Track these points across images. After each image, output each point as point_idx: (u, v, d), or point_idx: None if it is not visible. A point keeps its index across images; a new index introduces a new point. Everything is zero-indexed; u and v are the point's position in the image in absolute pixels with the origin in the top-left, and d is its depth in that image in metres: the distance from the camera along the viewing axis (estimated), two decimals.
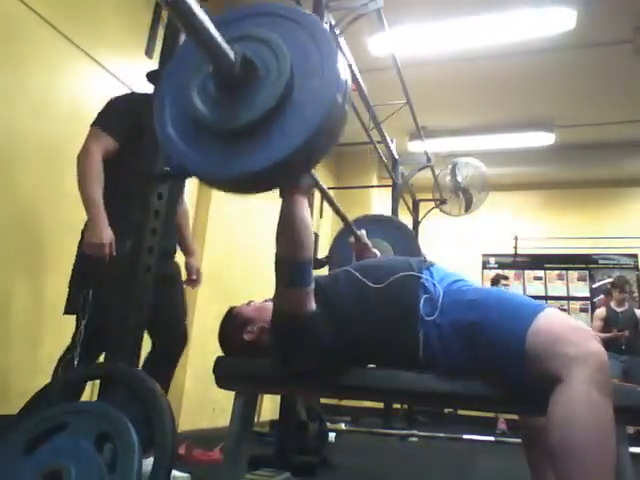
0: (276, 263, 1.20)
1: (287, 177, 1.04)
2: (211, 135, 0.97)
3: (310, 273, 1.20)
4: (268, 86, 0.93)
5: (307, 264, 1.18)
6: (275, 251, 1.20)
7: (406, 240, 2.98)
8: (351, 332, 1.24)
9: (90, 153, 1.86)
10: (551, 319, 1.07)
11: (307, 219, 1.18)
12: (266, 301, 1.43)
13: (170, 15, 1.34)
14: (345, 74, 0.94)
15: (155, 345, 2.00)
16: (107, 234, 1.76)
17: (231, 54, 0.93)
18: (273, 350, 1.27)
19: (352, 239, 2.40)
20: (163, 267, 1.96)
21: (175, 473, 2.09)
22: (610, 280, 5.75)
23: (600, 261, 6.56)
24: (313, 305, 1.21)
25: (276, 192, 1.19)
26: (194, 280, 2.31)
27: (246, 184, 1.00)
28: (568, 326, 1.05)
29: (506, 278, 5.55)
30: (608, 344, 4.70)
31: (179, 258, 2.23)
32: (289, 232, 1.17)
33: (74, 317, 1.82)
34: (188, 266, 2.28)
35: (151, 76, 2.03)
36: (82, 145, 1.89)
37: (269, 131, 0.92)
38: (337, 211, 2.52)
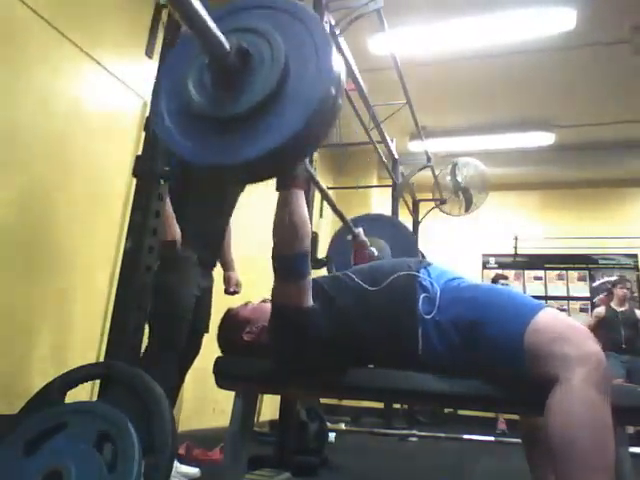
0: (273, 256, 1.21)
1: (282, 166, 1.05)
2: (207, 125, 0.98)
3: (307, 264, 1.20)
4: (263, 75, 0.96)
5: (303, 256, 1.18)
6: (272, 244, 1.21)
7: (404, 239, 2.99)
8: (351, 331, 1.25)
9: None
10: (550, 319, 1.07)
11: (303, 212, 1.19)
12: (264, 301, 1.43)
13: (168, 6, 1.37)
14: (339, 65, 0.96)
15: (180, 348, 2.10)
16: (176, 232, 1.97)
17: (226, 44, 0.95)
18: (272, 347, 1.27)
19: (350, 237, 2.41)
20: (208, 278, 2.24)
21: (185, 468, 2.11)
22: (610, 279, 5.75)
23: (600, 261, 6.56)
24: (310, 299, 1.21)
25: (273, 185, 1.20)
26: (234, 292, 2.48)
27: (242, 173, 1.02)
28: (567, 326, 1.05)
29: (505, 278, 5.55)
30: (607, 343, 4.70)
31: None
32: (285, 224, 1.17)
33: (75, 317, 1.83)
34: (228, 278, 2.47)
35: None
36: None
37: (264, 120, 0.94)
38: (334, 208, 2.52)
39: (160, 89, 1.09)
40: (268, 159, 0.93)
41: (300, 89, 0.94)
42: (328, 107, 0.94)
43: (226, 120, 0.97)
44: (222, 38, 0.95)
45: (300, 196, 1.19)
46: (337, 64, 0.96)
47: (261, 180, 1.05)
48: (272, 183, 1.18)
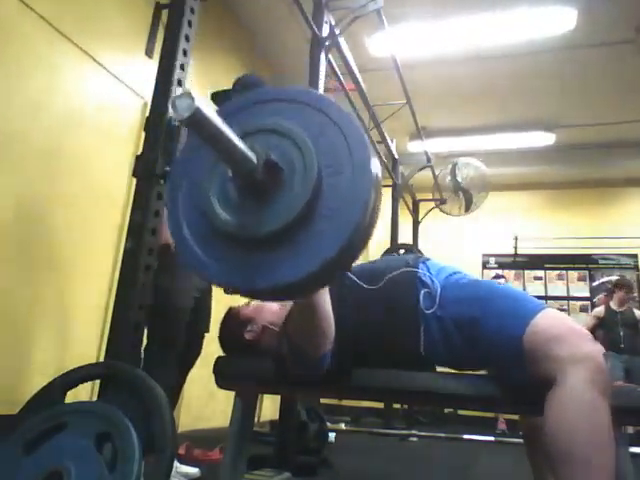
0: (293, 353, 1.16)
1: (317, 287, 0.96)
2: (231, 242, 0.87)
3: (327, 361, 1.15)
4: (294, 187, 0.83)
5: (328, 354, 1.14)
6: (288, 339, 1.16)
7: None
8: (351, 331, 1.24)
9: None
10: (550, 319, 1.07)
11: (329, 310, 1.12)
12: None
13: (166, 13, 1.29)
14: (377, 168, 0.84)
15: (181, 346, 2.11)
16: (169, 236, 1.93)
17: (253, 158, 0.82)
18: (275, 361, 1.26)
19: None
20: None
21: (185, 468, 2.11)
22: (610, 279, 5.74)
23: (600, 261, 6.57)
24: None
25: None
26: (233, 291, 2.43)
27: (280, 295, 0.95)
28: (566, 327, 1.05)
29: (502, 277, 5.56)
30: (607, 343, 4.71)
31: None
32: (310, 326, 1.11)
33: (75, 317, 1.83)
34: None
35: (215, 97, 2.12)
36: None
37: (299, 238, 0.82)
38: None
39: (177, 190, 0.95)
40: (304, 283, 0.83)
41: (336, 201, 0.82)
42: (366, 221, 0.82)
43: (257, 240, 0.85)
44: (249, 153, 0.81)
45: (325, 291, 1.10)
46: (375, 166, 0.83)
47: (299, 299, 1.00)
48: None
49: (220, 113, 0.78)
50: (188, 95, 0.70)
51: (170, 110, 0.75)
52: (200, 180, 0.91)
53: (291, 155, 0.85)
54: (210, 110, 0.73)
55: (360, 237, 0.83)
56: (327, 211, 0.83)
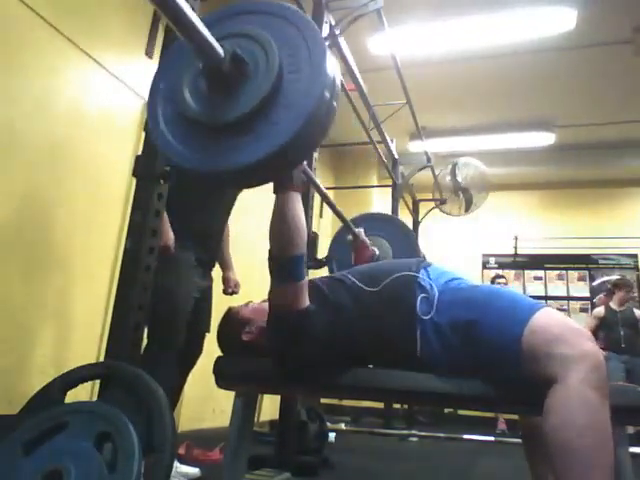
0: (269, 259, 1.22)
1: (278, 170, 1.05)
2: (203, 131, 0.98)
3: (302, 267, 1.20)
4: (257, 81, 0.96)
5: (299, 258, 1.19)
6: (268, 247, 1.21)
7: (405, 238, 2.98)
8: (348, 332, 1.25)
9: None
10: (548, 319, 1.07)
11: (300, 215, 1.19)
12: (264, 302, 1.43)
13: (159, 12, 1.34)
14: (333, 70, 0.96)
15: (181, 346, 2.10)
16: (169, 237, 1.99)
17: (220, 51, 0.95)
18: (270, 348, 1.27)
19: (350, 237, 2.40)
20: (207, 279, 2.25)
21: (185, 468, 2.11)
22: (610, 278, 5.74)
23: (600, 261, 6.57)
24: (307, 300, 1.22)
25: (271, 188, 1.20)
26: (232, 292, 2.49)
27: (239, 178, 1.03)
28: (565, 326, 1.05)
29: (502, 277, 5.56)
30: (607, 343, 4.71)
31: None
32: (281, 227, 1.18)
33: (75, 317, 1.83)
34: (227, 279, 2.48)
35: None
36: None
37: (259, 125, 0.94)
38: (333, 208, 2.51)
39: (156, 93, 1.09)
40: (263, 165, 0.94)
41: (294, 95, 0.94)
42: (322, 112, 0.94)
43: (221, 126, 0.97)
44: (216, 45, 0.94)
45: (297, 199, 1.19)
46: (331, 68, 0.96)
47: (257, 185, 1.06)
48: (270, 185, 1.18)
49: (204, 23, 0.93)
50: None
51: None
52: (175, 77, 1.04)
53: (256, 54, 0.98)
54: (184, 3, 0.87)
55: (314, 128, 0.94)
56: (285, 101, 0.94)
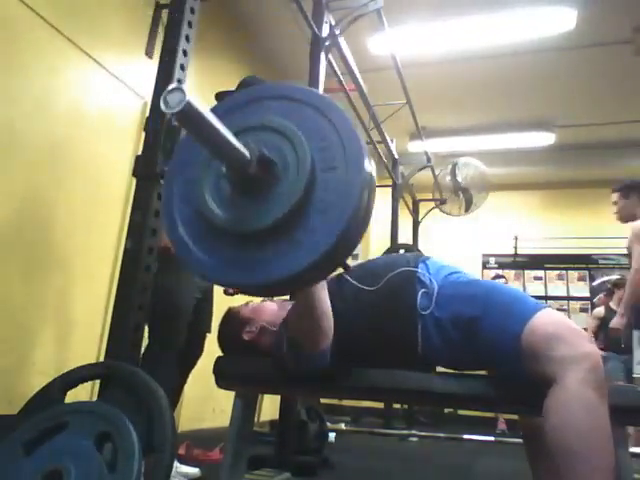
0: (290, 349, 1.17)
1: (313, 281, 0.98)
2: (227, 238, 0.88)
3: (328, 359, 1.17)
4: (287, 184, 0.85)
5: (326, 352, 1.15)
6: (287, 337, 1.17)
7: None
8: (349, 332, 1.24)
9: None
10: (547, 319, 1.07)
11: (327, 304, 1.13)
12: (264, 301, 1.43)
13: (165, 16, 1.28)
14: (370, 166, 0.85)
15: (183, 346, 2.11)
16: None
17: (247, 153, 0.83)
18: (273, 358, 1.26)
19: None
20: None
21: (185, 468, 2.11)
22: (610, 278, 5.74)
23: (600, 261, 6.56)
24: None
25: None
26: (233, 293, 2.46)
27: (268, 290, 0.97)
28: (564, 326, 1.05)
29: (502, 277, 5.56)
30: (607, 343, 4.70)
31: None
32: (308, 319, 1.12)
33: (75, 317, 1.83)
34: None
35: (219, 96, 2.14)
36: None
37: (292, 233, 0.84)
38: None
39: (171, 190, 0.96)
40: (299, 277, 0.84)
41: (330, 197, 0.83)
42: (360, 216, 0.83)
43: (249, 234, 0.86)
44: (243, 149, 0.82)
45: (324, 287, 1.12)
46: (367, 164, 0.84)
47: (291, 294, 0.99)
48: None
49: (214, 112, 0.78)
50: (179, 89, 0.70)
51: (162, 104, 0.72)
52: (194, 178, 0.92)
53: (284, 150, 0.86)
54: (202, 105, 0.73)
55: (354, 231, 0.84)
56: (321, 205, 0.84)
